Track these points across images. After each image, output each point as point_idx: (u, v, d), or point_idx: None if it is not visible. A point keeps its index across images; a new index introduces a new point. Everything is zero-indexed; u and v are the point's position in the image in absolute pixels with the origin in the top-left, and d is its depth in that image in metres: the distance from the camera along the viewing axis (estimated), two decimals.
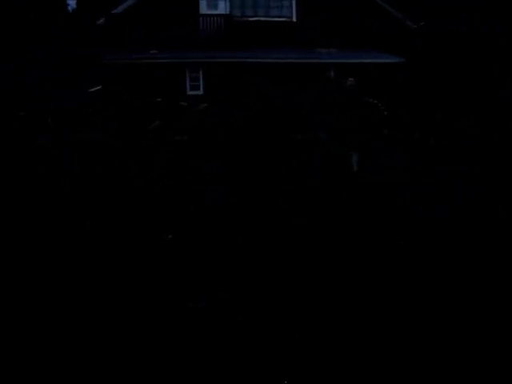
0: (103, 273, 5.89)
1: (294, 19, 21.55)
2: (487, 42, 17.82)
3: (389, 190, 8.85)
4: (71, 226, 7.17)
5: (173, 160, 10.13)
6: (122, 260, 6.23)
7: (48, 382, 4.23)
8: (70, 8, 25.36)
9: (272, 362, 4.41)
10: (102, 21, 19.18)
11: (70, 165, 9.86)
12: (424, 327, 4.84)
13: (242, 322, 4.97)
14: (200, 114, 13.49)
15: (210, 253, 6.32)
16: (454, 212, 7.79)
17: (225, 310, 5.16)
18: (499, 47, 17.36)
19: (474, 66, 17.16)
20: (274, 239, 6.80)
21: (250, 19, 21.08)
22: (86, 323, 4.90)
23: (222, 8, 20.83)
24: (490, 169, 9.61)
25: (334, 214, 7.83)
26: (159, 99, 15.22)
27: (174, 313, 5.12)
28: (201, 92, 19.71)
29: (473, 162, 10.11)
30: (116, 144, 11.01)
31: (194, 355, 4.47)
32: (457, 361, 4.39)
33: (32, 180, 8.92)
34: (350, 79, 16.95)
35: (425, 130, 12.99)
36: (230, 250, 6.48)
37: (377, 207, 8.13)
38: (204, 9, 20.77)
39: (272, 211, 7.80)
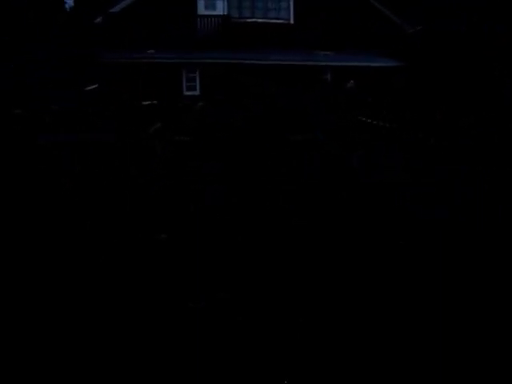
0: (104, 273, 5.89)
1: (292, 21, 21.61)
2: (487, 42, 17.82)
3: (389, 190, 8.84)
4: (71, 226, 7.16)
5: (173, 160, 10.13)
6: (122, 260, 6.22)
7: (48, 382, 4.23)
8: (67, 6, 25.36)
9: (272, 362, 4.41)
10: (99, 19, 19.20)
11: (70, 165, 9.86)
12: (424, 327, 4.84)
13: (241, 321, 4.96)
14: (197, 115, 13.46)
15: (210, 253, 6.32)
16: (454, 212, 7.79)
17: (225, 310, 5.16)
18: (499, 47, 17.36)
19: (474, 66, 17.16)
20: (274, 239, 6.80)
21: (248, 20, 21.11)
22: (87, 323, 4.90)
23: (220, 9, 20.86)
24: (490, 169, 9.61)
25: (334, 213, 7.82)
26: (157, 101, 15.21)
27: (174, 313, 5.11)
28: (197, 92, 19.75)
29: (473, 161, 10.10)
30: (116, 144, 11.01)
31: (194, 355, 4.47)
32: (457, 360, 4.39)
33: (32, 180, 8.91)
34: (350, 82, 17.00)
35: (425, 130, 12.99)
36: (230, 250, 6.47)
37: (377, 207, 8.13)
38: (202, 9, 20.81)
39: (272, 211, 7.79)
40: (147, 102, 15.01)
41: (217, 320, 4.98)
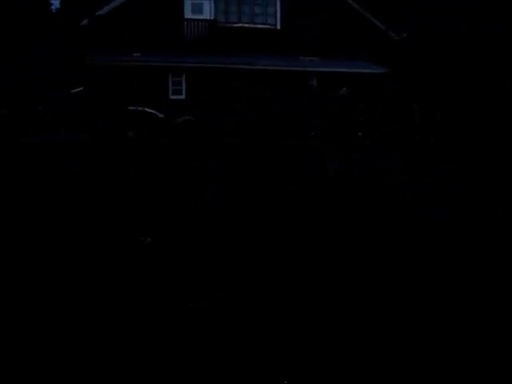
0: (104, 272, 5.89)
1: (279, 27, 21.69)
2: (487, 42, 17.84)
3: (389, 190, 8.84)
4: (71, 226, 7.16)
5: (173, 160, 10.13)
6: (122, 259, 6.22)
7: (47, 382, 4.23)
8: (53, 8, 25.45)
9: (272, 362, 4.41)
10: (85, 21, 19.19)
11: (69, 165, 9.86)
12: (424, 327, 4.84)
13: (242, 321, 4.96)
14: (177, 130, 13.37)
15: (210, 253, 6.32)
16: (454, 212, 7.79)
17: (225, 310, 5.16)
18: (499, 47, 17.38)
19: (473, 66, 17.18)
20: (274, 239, 6.80)
21: (235, 25, 21.18)
22: (86, 322, 4.90)
23: (207, 13, 20.93)
24: (490, 169, 9.61)
25: (334, 213, 7.82)
26: (143, 105, 15.21)
27: (174, 312, 5.11)
28: (183, 96, 19.72)
29: (473, 161, 10.11)
30: (116, 144, 11.03)
31: (194, 355, 4.47)
32: (457, 361, 4.39)
33: (32, 180, 8.91)
34: (343, 89, 17.18)
35: (424, 131, 12.99)
36: (230, 250, 6.47)
37: (377, 207, 8.13)
38: (189, 13, 20.86)
39: (272, 211, 7.79)
40: (133, 108, 15.00)
41: (217, 320, 4.98)
